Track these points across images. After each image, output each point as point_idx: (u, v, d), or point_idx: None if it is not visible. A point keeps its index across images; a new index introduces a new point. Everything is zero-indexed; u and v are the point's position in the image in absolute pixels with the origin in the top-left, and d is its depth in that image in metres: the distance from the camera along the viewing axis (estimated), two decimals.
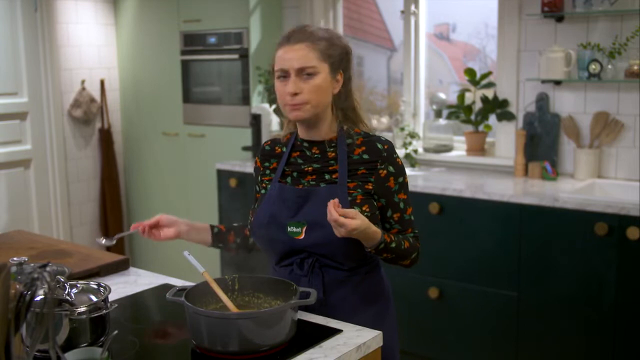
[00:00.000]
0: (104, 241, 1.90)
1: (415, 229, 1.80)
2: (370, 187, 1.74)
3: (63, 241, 2.63)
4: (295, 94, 1.69)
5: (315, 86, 1.69)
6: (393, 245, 1.70)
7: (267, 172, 1.85)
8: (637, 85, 3.26)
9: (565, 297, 2.99)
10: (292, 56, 1.69)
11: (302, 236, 1.71)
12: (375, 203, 1.74)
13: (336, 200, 1.58)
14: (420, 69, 4.09)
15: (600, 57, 3.30)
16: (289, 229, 1.73)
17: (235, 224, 1.97)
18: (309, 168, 1.78)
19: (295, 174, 1.79)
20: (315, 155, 1.79)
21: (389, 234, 1.71)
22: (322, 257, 1.74)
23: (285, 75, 1.71)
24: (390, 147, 1.77)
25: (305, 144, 1.80)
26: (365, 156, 1.75)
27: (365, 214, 1.70)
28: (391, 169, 1.75)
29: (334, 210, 1.56)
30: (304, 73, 1.69)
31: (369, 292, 1.80)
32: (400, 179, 1.77)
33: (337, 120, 1.79)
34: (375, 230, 1.65)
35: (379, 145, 1.76)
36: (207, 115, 4.50)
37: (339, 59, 1.74)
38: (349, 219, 1.57)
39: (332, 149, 1.78)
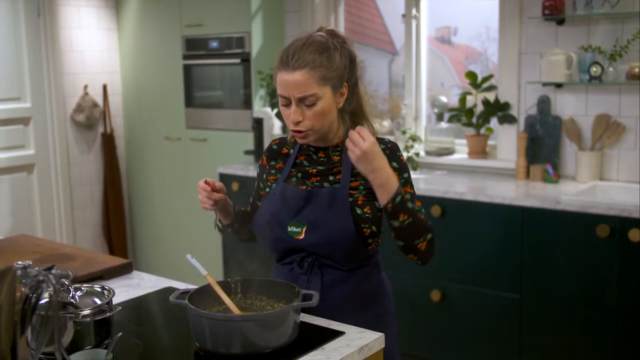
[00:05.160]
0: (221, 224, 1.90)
1: (427, 220, 1.75)
2: None
3: (66, 245, 2.64)
4: (298, 122, 1.70)
5: (317, 113, 1.69)
6: (410, 205, 1.67)
7: (273, 171, 1.87)
8: (638, 87, 3.26)
9: (567, 299, 3.00)
10: (292, 84, 1.67)
11: (302, 236, 1.72)
12: (377, 205, 1.74)
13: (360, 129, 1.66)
14: (422, 72, 4.10)
15: (601, 59, 3.31)
16: (289, 229, 1.74)
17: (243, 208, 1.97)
18: (314, 170, 1.80)
19: (300, 174, 1.81)
20: (321, 159, 1.81)
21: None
22: (321, 257, 1.75)
23: (287, 102, 1.71)
24: (394, 146, 1.79)
25: (312, 149, 1.82)
26: None
27: (367, 215, 1.71)
28: (394, 164, 1.75)
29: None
30: (305, 100, 1.68)
31: (368, 293, 1.80)
32: (405, 175, 1.77)
33: (344, 125, 1.80)
34: (393, 174, 1.68)
35: (382, 145, 1.77)
36: (209, 119, 4.51)
37: (341, 74, 1.72)
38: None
39: (337, 153, 1.80)
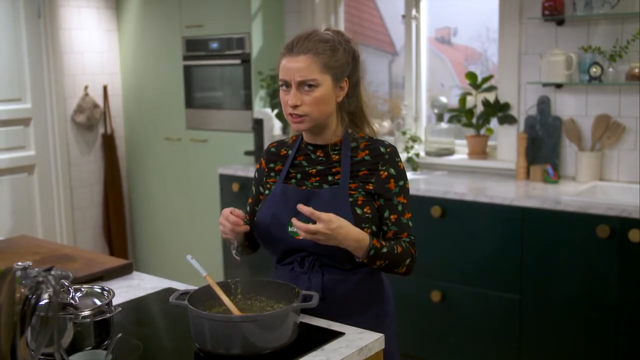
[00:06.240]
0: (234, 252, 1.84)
1: (411, 234, 1.78)
2: (371, 187, 1.76)
3: (67, 246, 2.64)
4: (296, 106, 1.71)
5: (316, 98, 1.71)
6: (384, 250, 1.69)
7: (272, 174, 1.87)
8: (638, 87, 3.27)
9: (568, 299, 3.00)
10: (294, 68, 1.71)
11: (302, 237, 1.73)
12: (375, 205, 1.76)
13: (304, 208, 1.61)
14: (422, 72, 4.10)
15: (601, 60, 3.31)
16: (289, 229, 1.75)
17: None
18: (313, 170, 1.81)
19: (299, 175, 1.82)
20: (320, 158, 1.81)
21: (379, 240, 1.71)
22: (322, 257, 1.76)
23: (287, 85, 1.73)
24: (393, 151, 1.80)
25: (310, 147, 1.83)
26: (368, 158, 1.78)
27: (367, 215, 1.73)
28: (392, 171, 1.77)
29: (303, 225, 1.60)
30: (305, 85, 1.71)
31: (368, 293, 1.81)
32: (401, 183, 1.78)
33: (342, 124, 1.81)
34: (360, 232, 1.66)
35: (382, 149, 1.79)
36: (210, 120, 4.52)
37: (343, 68, 1.75)
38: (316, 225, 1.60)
39: (335, 152, 1.80)
